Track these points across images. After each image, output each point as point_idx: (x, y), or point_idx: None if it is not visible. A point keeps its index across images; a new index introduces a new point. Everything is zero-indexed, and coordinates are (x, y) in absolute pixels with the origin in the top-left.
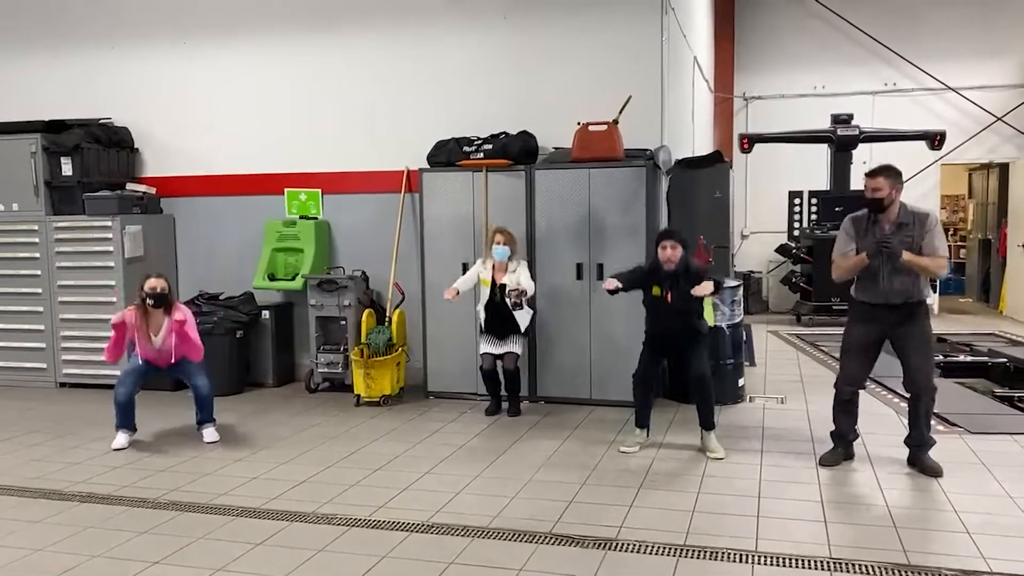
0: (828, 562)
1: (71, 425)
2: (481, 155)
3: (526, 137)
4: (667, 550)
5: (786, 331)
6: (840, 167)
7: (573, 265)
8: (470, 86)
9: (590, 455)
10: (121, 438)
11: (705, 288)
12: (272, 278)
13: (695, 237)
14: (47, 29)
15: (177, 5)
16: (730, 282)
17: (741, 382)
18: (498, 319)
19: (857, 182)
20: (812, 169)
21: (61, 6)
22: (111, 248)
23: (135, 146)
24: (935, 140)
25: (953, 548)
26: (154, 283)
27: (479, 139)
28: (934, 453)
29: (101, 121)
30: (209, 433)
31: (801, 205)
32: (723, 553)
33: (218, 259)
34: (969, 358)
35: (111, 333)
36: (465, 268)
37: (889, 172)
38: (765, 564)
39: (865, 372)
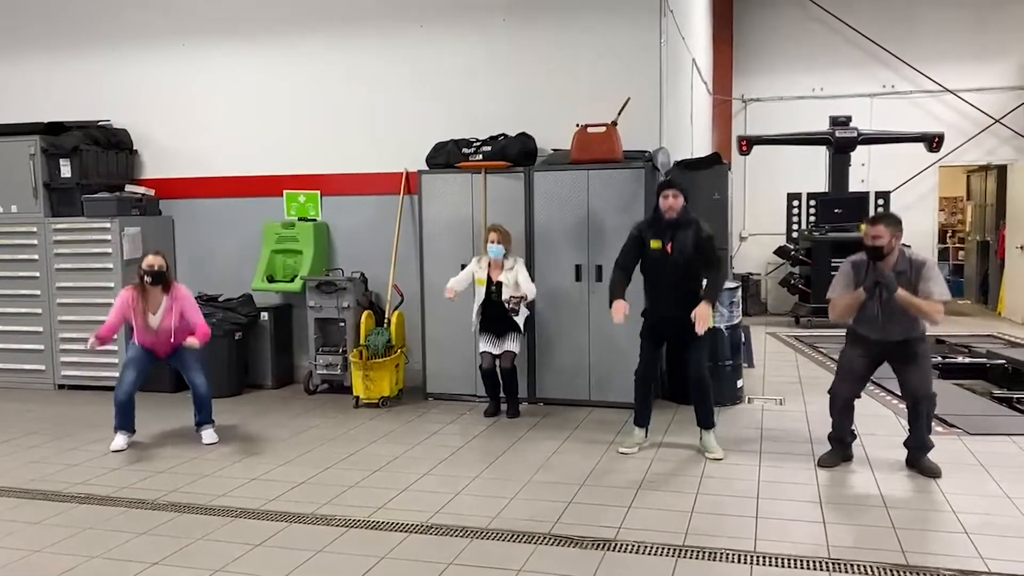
0: (827, 563)
1: (70, 427)
2: (480, 157)
3: (525, 139)
4: (666, 551)
5: (785, 333)
6: (838, 169)
7: (572, 266)
8: (469, 88)
9: (589, 456)
10: (120, 439)
11: (703, 316)
12: (271, 280)
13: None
14: (46, 31)
15: (176, 7)
16: (729, 284)
17: (740, 383)
18: (494, 317)
19: (856, 184)
20: (810, 171)
21: (60, 8)
22: (110, 250)
23: (134, 148)
24: (933, 142)
25: (951, 548)
26: (152, 260)
27: (478, 141)
28: (933, 454)
29: (100, 123)
30: (208, 434)
31: (799, 207)
32: (722, 554)
33: (217, 261)
34: (967, 359)
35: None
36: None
37: (889, 220)
38: (764, 565)
39: (859, 386)
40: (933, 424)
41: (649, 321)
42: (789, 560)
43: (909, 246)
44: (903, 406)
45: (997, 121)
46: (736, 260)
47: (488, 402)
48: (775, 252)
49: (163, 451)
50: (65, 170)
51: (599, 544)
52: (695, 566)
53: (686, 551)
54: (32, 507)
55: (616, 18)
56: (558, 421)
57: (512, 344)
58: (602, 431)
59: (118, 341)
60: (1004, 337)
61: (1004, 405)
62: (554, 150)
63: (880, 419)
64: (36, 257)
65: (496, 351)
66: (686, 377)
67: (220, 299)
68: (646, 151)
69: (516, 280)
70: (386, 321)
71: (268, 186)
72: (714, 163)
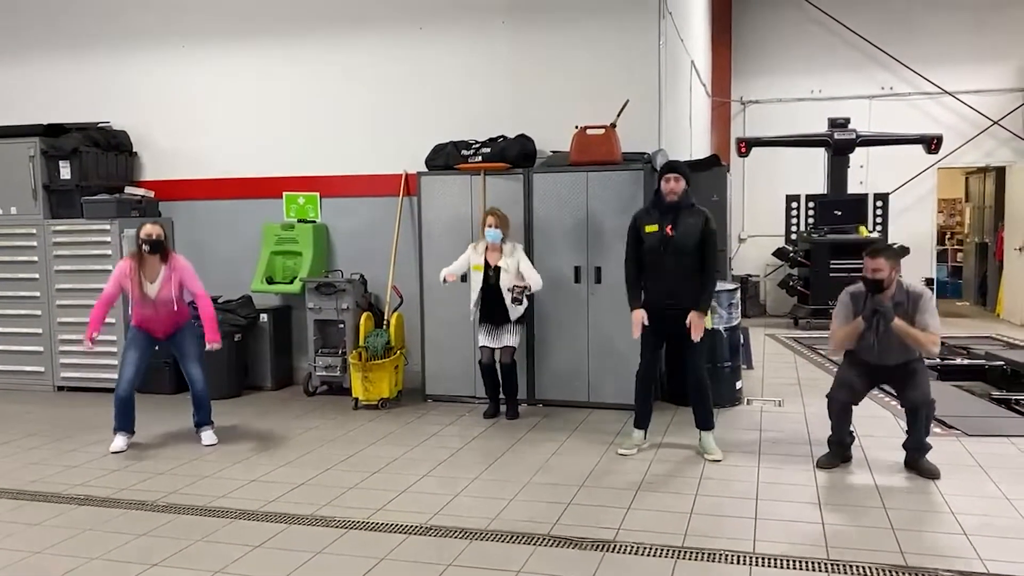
0: (826, 564)
1: (69, 428)
2: (479, 158)
3: (524, 140)
4: (665, 552)
5: (783, 334)
6: (837, 171)
7: (571, 268)
8: (468, 90)
9: (588, 457)
10: (119, 441)
11: (698, 326)
12: (270, 281)
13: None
14: (46, 33)
15: (176, 9)
16: (727, 285)
17: (739, 385)
18: (493, 304)
19: (854, 185)
20: (809, 173)
21: (60, 10)
22: (109, 252)
23: (134, 150)
24: (932, 144)
25: (950, 549)
26: (150, 229)
27: (477, 143)
28: (931, 455)
29: (100, 125)
30: (207, 436)
31: (798, 209)
32: (721, 555)
33: (216, 262)
34: (966, 361)
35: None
36: (464, 275)
37: (889, 253)
38: (763, 566)
39: (857, 398)
40: (932, 426)
41: (649, 317)
42: (788, 561)
43: (908, 249)
44: (902, 408)
45: (995, 123)
46: (735, 262)
47: (487, 403)
48: (774, 254)
49: (163, 452)
50: (65, 172)
51: (598, 545)
52: (694, 567)
53: (685, 552)
54: (32, 509)
55: (615, 20)
56: (557, 422)
57: (511, 338)
58: (601, 432)
59: (117, 343)
60: (1003, 339)
61: (1003, 406)
62: (553, 152)
63: (879, 420)
64: (36, 259)
65: (495, 345)
66: (685, 379)
67: (219, 301)
68: (645, 153)
69: (518, 268)
70: (385, 323)
71: (267, 188)
72: (713, 165)
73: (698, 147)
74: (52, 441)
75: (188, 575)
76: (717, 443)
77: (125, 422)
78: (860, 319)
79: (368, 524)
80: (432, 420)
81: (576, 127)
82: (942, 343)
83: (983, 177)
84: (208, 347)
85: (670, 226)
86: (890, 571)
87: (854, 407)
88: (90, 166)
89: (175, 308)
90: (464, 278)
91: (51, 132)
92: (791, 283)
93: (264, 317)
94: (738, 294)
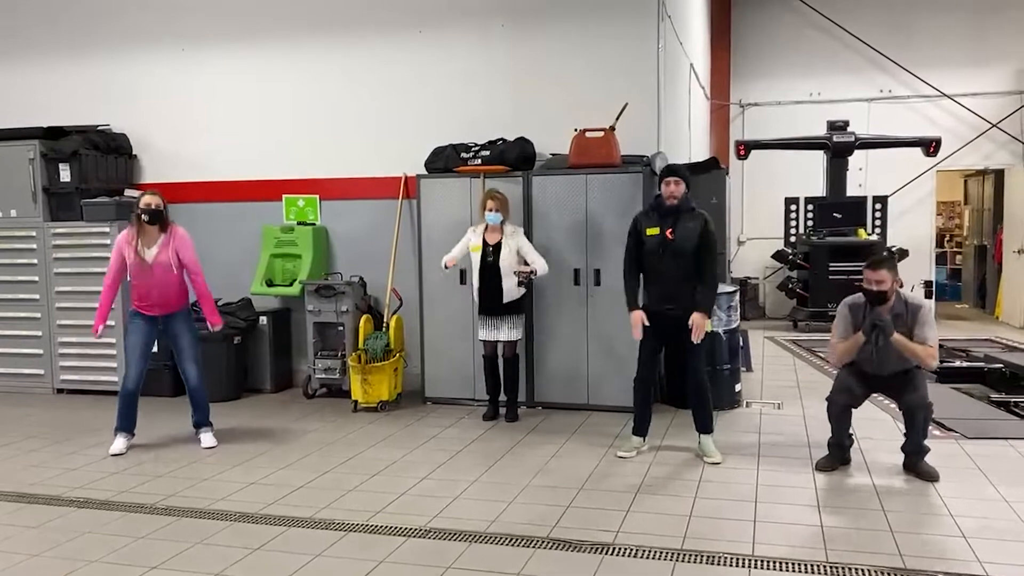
0: (825, 566)
1: (69, 431)
2: (479, 161)
3: (523, 143)
4: (664, 554)
5: (783, 337)
6: (836, 173)
7: (571, 270)
8: (468, 93)
9: (587, 460)
10: (119, 443)
11: (700, 325)
12: (270, 284)
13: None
14: (46, 35)
15: (176, 11)
16: (726, 288)
17: (738, 387)
18: (491, 286)
19: (853, 188)
20: (808, 175)
21: (60, 13)
22: (108, 254)
23: (133, 152)
24: (930, 147)
25: (949, 552)
26: (148, 199)
27: (477, 145)
28: (930, 458)
29: (99, 127)
30: (207, 438)
31: (797, 211)
32: (720, 557)
33: (216, 265)
34: (965, 363)
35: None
36: (463, 275)
37: (890, 264)
38: (762, 568)
39: (857, 401)
40: (930, 428)
41: (648, 320)
42: (787, 563)
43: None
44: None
45: (994, 126)
46: (734, 264)
47: (487, 406)
48: (773, 256)
49: (162, 455)
50: (64, 174)
51: (597, 548)
52: (694, 570)
53: (684, 555)
54: (31, 511)
55: (614, 23)
56: (556, 425)
57: (513, 332)
58: (600, 435)
59: (117, 345)
60: (1002, 341)
61: (1002, 409)
62: (552, 155)
63: (878, 423)
64: (35, 261)
65: (496, 338)
66: (685, 381)
67: (219, 303)
68: (644, 156)
69: (517, 251)
70: (385, 325)
71: (267, 190)
72: (712, 167)
73: (697, 150)
74: (51, 444)
75: None
76: (716, 446)
77: (127, 422)
78: (860, 334)
79: (367, 527)
80: (431, 422)
81: (575, 130)
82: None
83: (982, 180)
84: (211, 328)
85: (670, 229)
86: (889, 573)
87: (854, 410)
88: (90, 169)
89: (172, 273)
90: (463, 279)
91: (51, 135)
92: (790, 285)
93: (264, 320)
94: (737, 296)
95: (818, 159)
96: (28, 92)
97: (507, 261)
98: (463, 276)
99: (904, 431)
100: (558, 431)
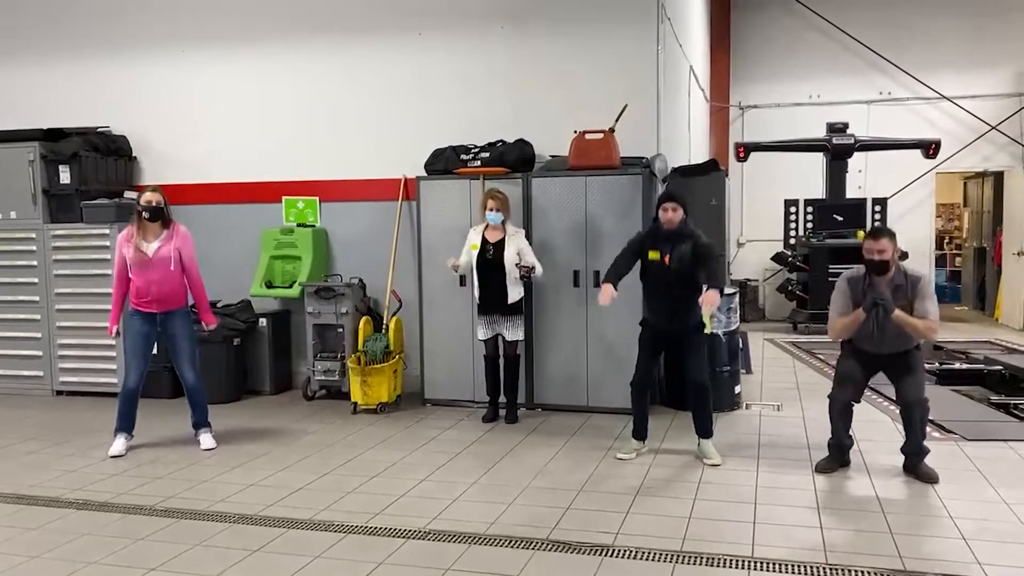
0: (824, 568)
1: (68, 432)
2: (478, 163)
3: (523, 145)
4: (664, 556)
5: (782, 339)
6: (836, 176)
7: (570, 272)
8: (467, 95)
9: (587, 461)
10: (119, 444)
11: (712, 299)
12: (269, 286)
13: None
14: (46, 36)
15: (176, 14)
16: (727, 290)
17: (737, 389)
18: (490, 285)
19: (853, 190)
20: (808, 177)
21: (61, 15)
22: (108, 256)
23: (133, 154)
24: (930, 149)
25: (949, 554)
26: (150, 196)
27: (476, 147)
28: (930, 460)
29: (99, 129)
30: (206, 440)
31: (797, 213)
32: (720, 559)
33: (215, 267)
34: (965, 365)
35: (110, 323)
36: (462, 278)
37: (891, 234)
38: (762, 570)
39: (858, 393)
40: (929, 429)
41: (647, 331)
42: (787, 565)
43: (907, 254)
44: (900, 412)
45: (993, 128)
46: (734, 266)
47: (486, 407)
48: (773, 258)
49: (161, 456)
50: (64, 176)
51: (597, 550)
52: (693, 571)
53: (684, 557)
54: (30, 513)
55: (614, 25)
56: (556, 427)
57: (514, 332)
58: (600, 437)
59: (117, 346)
60: (1001, 343)
61: (1001, 411)
62: (552, 156)
63: (877, 425)
64: (35, 263)
65: (496, 337)
66: (686, 382)
67: (219, 305)
68: (644, 157)
69: (517, 252)
70: (384, 327)
71: (267, 192)
72: (711, 169)
73: (697, 152)
74: (51, 445)
75: None
76: (716, 448)
77: (126, 422)
78: (860, 311)
79: (367, 528)
80: (431, 424)
81: (575, 132)
82: (941, 348)
83: (981, 182)
84: (205, 327)
85: (667, 256)
86: (888, 575)
87: (855, 404)
88: (89, 170)
89: (172, 269)
90: (463, 281)
91: (51, 136)
92: (790, 287)
93: (263, 321)
94: (737, 298)
95: (818, 161)
96: (28, 94)
97: (510, 259)
98: (463, 278)
99: (904, 431)
100: (558, 433)
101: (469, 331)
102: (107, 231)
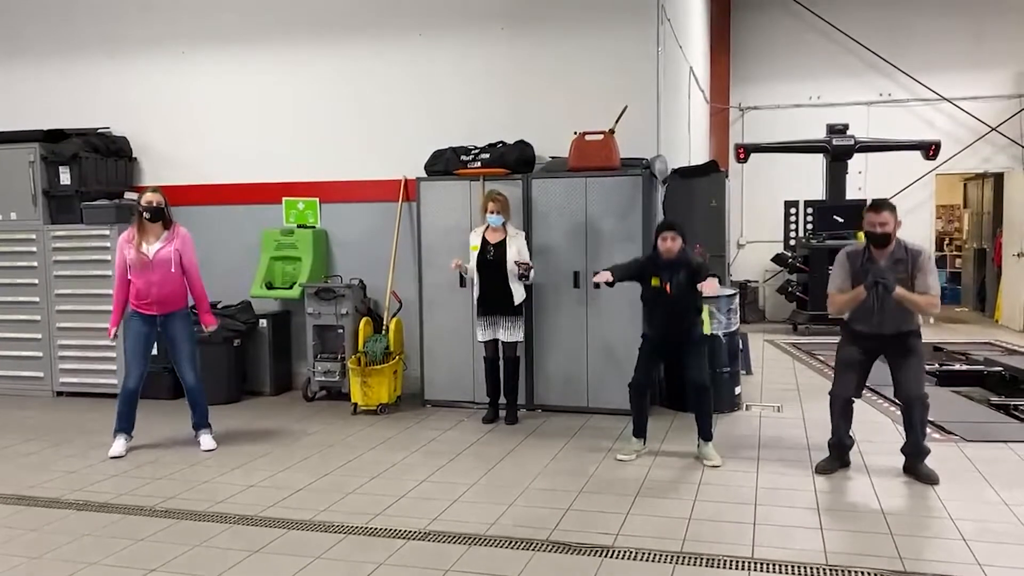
0: (824, 569)
1: (68, 433)
2: (478, 164)
3: (523, 146)
4: (664, 557)
5: (782, 340)
6: (836, 177)
7: (570, 273)
8: (468, 96)
9: (587, 463)
10: (118, 445)
11: (711, 284)
12: (270, 287)
13: (692, 246)
14: (46, 39)
15: (176, 14)
16: (726, 291)
17: (737, 390)
18: (494, 285)
19: (853, 191)
20: (808, 179)
21: (61, 16)
22: (108, 257)
23: (133, 155)
24: (930, 150)
25: (949, 555)
26: (151, 197)
27: (476, 148)
28: (930, 461)
29: (99, 130)
30: (206, 441)
31: (797, 214)
32: (720, 560)
33: (216, 268)
34: (965, 367)
35: (112, 318)
36: (462, 279)
37: (892, 207)
38: (762, 571)
39: (859, 385)
40: (929, 430)
41: (648, 344)
42: (787, 566)
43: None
44: (900, 412)
45: (993, 129)
46: (734, 267)
47: (486, 408)
48: (773, 259)
49: (161, 457)
50: (64, 177)
51: (597, 551)
52: (693, 572)
53: (684, 558)
54: (30, 514)
55: (614, 26)
56: (556, 428)
57: (514, 334)
58: (600, 438)
59: (116, 347)
60: (1001, 344)
61: (1001, 412)
62: (552, 157)
63: (877, 426)
64: (35, 264)
65: (496, 337)
66: (687, 385)
67: (219, 306)
68: (644, 159)
69: (519, 252)
70: (384, 328)
71: (267, 193)
72: (711, 171)
73: (697, 153)
74: (51, 446)
75: None
76: (716, 449)
77: (126, 422)
78: (862, 288)
79: (367, 529)
80: (431, 425)
81: (575, 133)
82: (941, 349)
83: (981, 183)
84: (205, 329)
85: (668, 284)
86: None
87: (856, 400)
88: (90, 172)
89: (173, 270)
90: (463, 282)
91: (51, 138)
92: (790, 289)
93: (263, 322)
94: (737, 300)
95: (818, 162)
96: (28, 95)
97: (512, 260)
98: (463, 279)
99: (904, 431)
100: (558, 434)
101: (469, 332)
102: (107, 232)
